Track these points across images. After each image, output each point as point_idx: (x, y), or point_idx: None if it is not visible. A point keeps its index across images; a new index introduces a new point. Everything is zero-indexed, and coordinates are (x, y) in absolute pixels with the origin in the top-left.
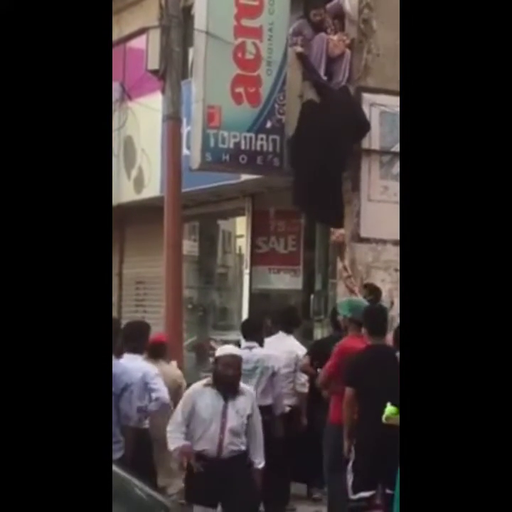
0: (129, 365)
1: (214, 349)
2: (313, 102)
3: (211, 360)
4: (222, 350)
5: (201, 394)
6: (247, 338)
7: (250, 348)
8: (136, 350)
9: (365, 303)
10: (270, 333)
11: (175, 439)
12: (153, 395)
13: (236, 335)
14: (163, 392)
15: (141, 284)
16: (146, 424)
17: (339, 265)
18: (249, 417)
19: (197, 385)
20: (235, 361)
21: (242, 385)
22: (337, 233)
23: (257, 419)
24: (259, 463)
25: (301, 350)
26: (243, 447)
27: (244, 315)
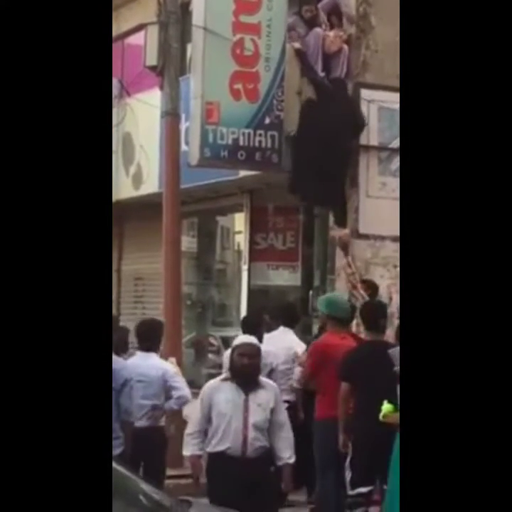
0: (145, 363)
1: (213, 345)
2: (313, 101)
3: (210, 356)
4: (238, 339)
5: (218, 390)
6: (246, 334)
7: None
8: (150, 348)
9: (344, 299)
10: (269, 329)
11: (189, 446)
12: (176, 393)
13: (235, 331)
14: (186, 391)
15: (140, 280)
16: (162, 421)
17: (343, 262)
18: (272, 411)
19: (213, 381)
20: (252, 350)
21: (262, 378)
22: (342, 233)
23: (282, 412)
24: (290, 457)
25: (300, 346)
26: (267, 445)
27: (243, 311)
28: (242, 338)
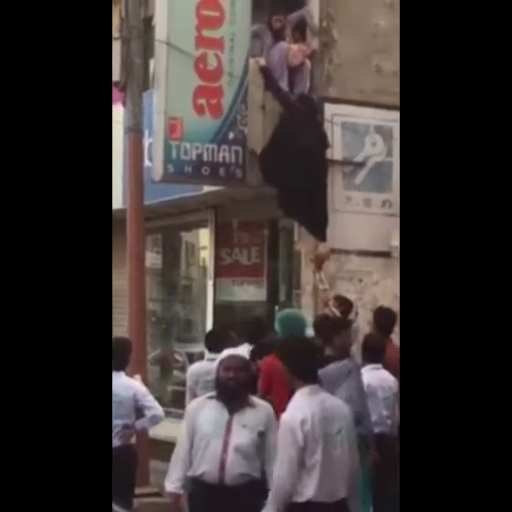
0: (114, 383)
1: (178, 362)
2: (286, 119)
3: (176, 372)
4: (224, 354)
5: (202, 408)
6: (210, 350)
7: (214, 360)
8: (118, 367)
9: (296, 316)
10: (235, 345)
11: (169, 479)
12: (149, 413)
13: (200, 347)
14: (159, 410)
15: None
16: (133, 440)
17: (316, 277)
18: (261, 435)
19: (198, 399)
20: (237, 363)
21: (255, 398)
22: (322, 247)
23: (273, 439)
24: None
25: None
26: (256, 474)
27: (209, 327)
28: (228, 352)
